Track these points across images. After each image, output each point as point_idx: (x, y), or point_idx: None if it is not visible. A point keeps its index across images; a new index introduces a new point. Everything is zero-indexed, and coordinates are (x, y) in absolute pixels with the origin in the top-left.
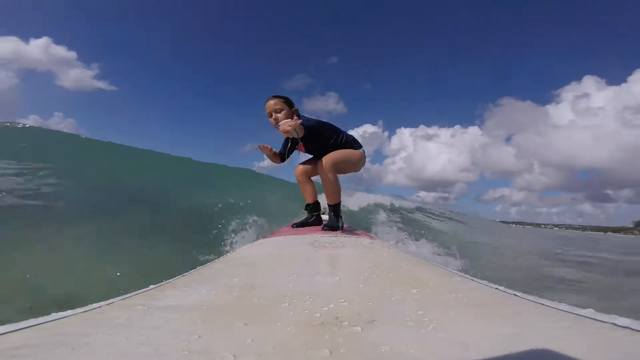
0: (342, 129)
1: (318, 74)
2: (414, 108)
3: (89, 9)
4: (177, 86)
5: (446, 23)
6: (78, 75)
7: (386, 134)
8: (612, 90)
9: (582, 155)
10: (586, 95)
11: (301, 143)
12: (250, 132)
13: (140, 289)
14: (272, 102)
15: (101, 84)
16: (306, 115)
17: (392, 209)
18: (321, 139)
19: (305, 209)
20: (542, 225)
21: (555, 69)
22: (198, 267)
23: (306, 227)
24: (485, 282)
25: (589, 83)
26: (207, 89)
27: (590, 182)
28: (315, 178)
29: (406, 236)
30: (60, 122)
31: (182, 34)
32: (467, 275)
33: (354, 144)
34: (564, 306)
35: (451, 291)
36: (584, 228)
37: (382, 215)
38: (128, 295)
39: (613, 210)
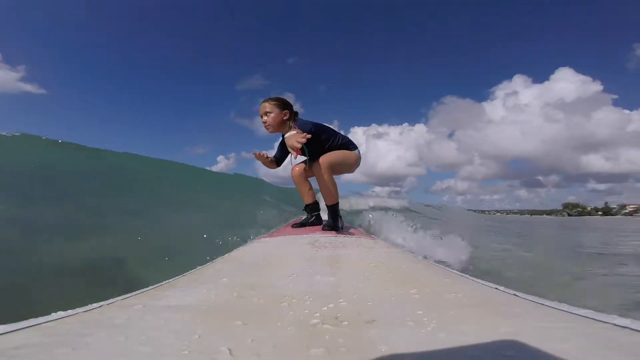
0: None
1: (275, 75)
2: (366, 107)
3: (18, 9)
4: (120, 86)
5: (396, 26)
6: (0, 78)
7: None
8: (536, 88)
9: (513, 147)
10: (515, 92)
11: None
12: (201, 130)
13: (141, 288)
14: (265, 104)
15: (29, 87)
16: (302, 119)
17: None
18: (318, 142)
19: (305, 210)
20: (487, 212)
21: (492, 68)
22: (198, 267)
23: (306, 227)
24: (485, 282)
25: (518, 82)
26: (156, 86)
27: (522, 171)
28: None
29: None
30: None
31: (128, 30)
32: (467, 275)
33: (349, 145)
34: (564, 306)
35: (451, 291)
36: (522, 212)
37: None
38: (128, 295)
39: (544, 194)
